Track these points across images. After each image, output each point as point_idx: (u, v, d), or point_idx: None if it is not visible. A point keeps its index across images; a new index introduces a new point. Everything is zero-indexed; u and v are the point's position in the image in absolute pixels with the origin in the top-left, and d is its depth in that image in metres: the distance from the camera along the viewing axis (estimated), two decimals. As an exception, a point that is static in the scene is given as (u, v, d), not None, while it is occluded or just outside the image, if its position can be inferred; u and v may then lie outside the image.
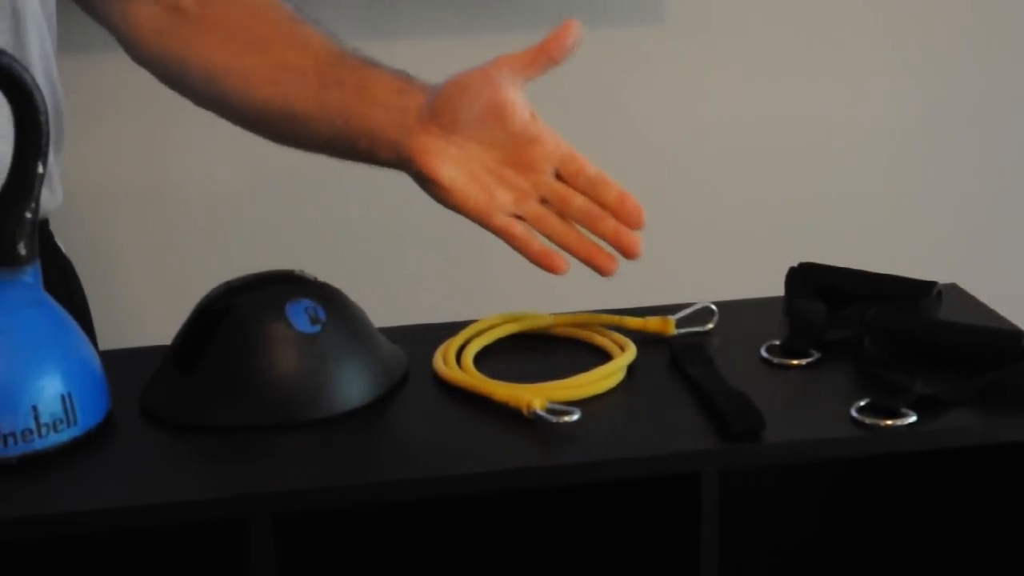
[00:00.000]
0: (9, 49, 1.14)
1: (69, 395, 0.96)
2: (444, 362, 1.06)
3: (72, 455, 0.96)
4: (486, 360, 1.08)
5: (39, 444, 0.94)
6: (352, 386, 1.02)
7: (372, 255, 1.89)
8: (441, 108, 1.06)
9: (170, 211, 1.84)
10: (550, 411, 0.97)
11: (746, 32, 2.01)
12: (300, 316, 1.02)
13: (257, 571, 0.90)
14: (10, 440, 0.93)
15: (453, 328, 1.12)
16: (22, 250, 0.98)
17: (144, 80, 1.59)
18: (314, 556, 1.10)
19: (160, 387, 1.02)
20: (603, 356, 1.08)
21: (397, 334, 1.10)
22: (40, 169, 0.98)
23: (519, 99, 1.05)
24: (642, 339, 1.10)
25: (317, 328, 1.02)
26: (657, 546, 1.04)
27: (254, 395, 0.99)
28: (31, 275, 0.99)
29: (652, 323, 1.12)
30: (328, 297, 1.04)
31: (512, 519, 1.15)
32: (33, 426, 0.94)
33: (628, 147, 2.00)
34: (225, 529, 0.97)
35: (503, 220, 1.06)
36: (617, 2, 1.91)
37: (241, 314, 1.01)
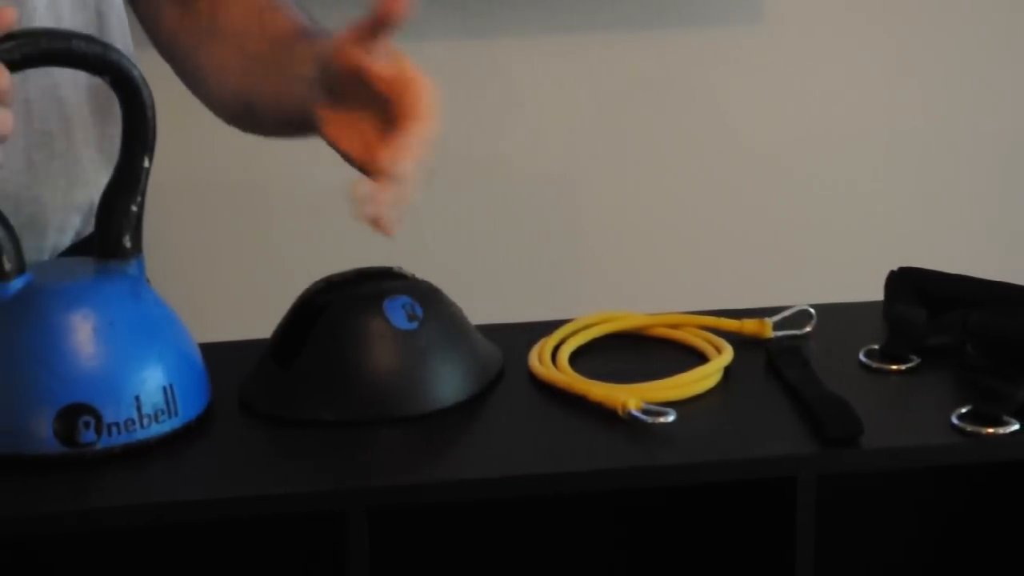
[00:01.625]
0: None
1: (171, 386, 0.97)
2: (539, 361, 1.07)
3: (173, 446, 0.97)
4: (581, 359, 1.08)
5: (141, 434, 0.96)
6: (448, 383, 1.02)
7: (469, 252, 1.90)
8: (322, 81, 1.05)
9: (270, 206, 1.86)
10: (645, 412, 0.97)
11: (847, 31, 1.99)
12: (398, 313, 1.02)
13: (352, 565, 0.91)
14: (113, 430, 0.95)
15: (548, 327, 1.12)
16: (127, 243, 1.00)
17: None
18: (407, 551, 1.11)
19: (259, 380, 1.04)
20: (698, 357, 1.08)
21: (493, 332, 1.11)
22: (146, 163, 1.00)
23: (375, 63, 1.02)
24: (738, 341, 1.10)
25: (414, 325, 1.02)
26: (751, 551, 1.03)
27: (351, 390, 1.00)
28: (135, 267, 1.01)
29: (749, 325, 1.12)
30: (425, 294, 1.05)
31: (603, 519, 1.15)
32: (135, 416, 0.95)
33: (725, 148, 1.99)
34: (321, 522, 0.98)
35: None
36: (716, 1, 1.90)
37: (339, 310, 1.02)
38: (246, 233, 1.86)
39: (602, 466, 0.94)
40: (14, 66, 0.94)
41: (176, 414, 0.98)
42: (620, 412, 0.98)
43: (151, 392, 0.96)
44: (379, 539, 0.95)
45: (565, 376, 1.04)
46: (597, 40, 1.89)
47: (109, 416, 0.94)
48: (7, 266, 0.96)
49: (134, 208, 1.00)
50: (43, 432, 0.93)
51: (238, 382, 1.05)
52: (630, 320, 1.14)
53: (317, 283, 1.06)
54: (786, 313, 1.14)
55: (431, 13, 1.85)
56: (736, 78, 1.98)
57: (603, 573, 1.17)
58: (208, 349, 1.07)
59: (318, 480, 0.94)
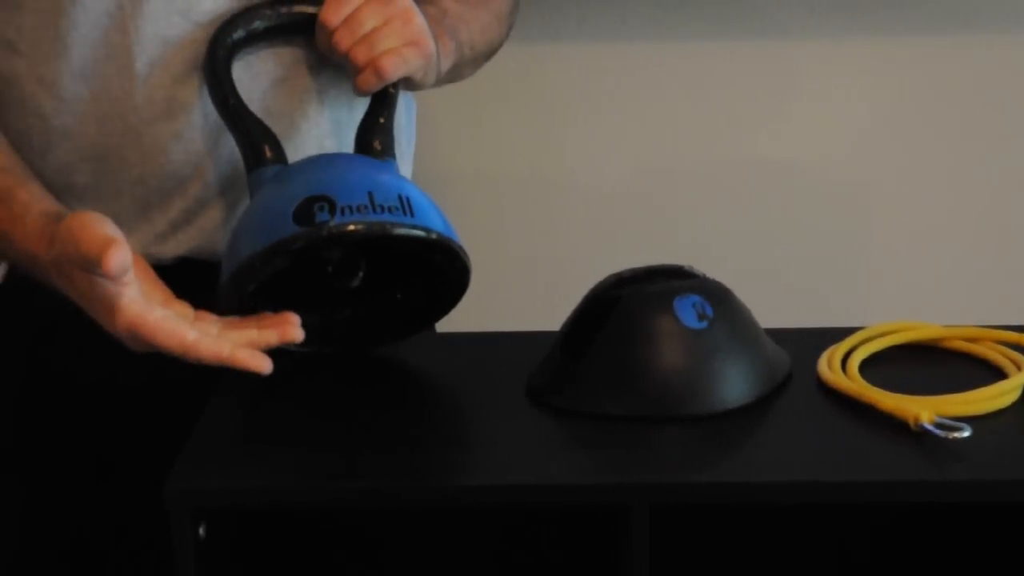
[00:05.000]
0: None
1: (407, 197, 1.03)
2: (829, 367, 1.05)
3: (440, 434, 0.98)
4: (872, 368, 1.06)
5: (373, 216, 1.01)
6: (735, 384, 1.01)
7: (759, 254, 1.88)
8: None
9: (561, 200, 1.88)
10: (939, 425, 0.95)
11: None
12: (688, 311, 1.02)
13: (634, 559, 0.91)
14: (346, 211, 1.01)
15: (838, 334, 1.10)
16: (377, 145, 1.11)
17: (534, 72, 1.64)
18: (686, 548, 1.11)
19: (547, 371, 1.05)
20: (995, 373, 1.04)
21: (782, 336, 1.09)
22: (392, 91, 1.12)
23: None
24: (1039, 358, 1.06)
25: (704, 324, 1.02)
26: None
27: (638, 386, 1.01)
28: (389, 166, 1.11)
29: (1051, 343, 1.08)
30: (716, 294, 1.04)
31: (875, 531, 1.13)
32: (368, 203, 1.01)
33: None
34: (603, 515, 0.99)
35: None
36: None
37: (630, 305, 1.02)
38: (537, 227, 1.89)
39: (891, 478, 0.92)
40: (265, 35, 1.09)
41: (413, 216, 1.02)
42: (912, 425, 0.96)
43: (385, 193, 1.02)
44: (659, 535, 0.95)
45: (855, 384, 1.02)
46: (898, 44, 1.85)
47: (342, 201, 1.01)
48: (269, 153, 1.08)
49: (383, 120, 1.11)
50: (286, 221, 1.00)
51: (526, 372, 1.06)
52: (924, 331, 1.11)
53: (608, 278, 1.06)
54: (1091, 332, 1.09)
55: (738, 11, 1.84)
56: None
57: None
58: (498, 338, 1.09)
59: (602, 473, 0.94)
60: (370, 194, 1.02)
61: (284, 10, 1.13)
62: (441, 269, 1.08)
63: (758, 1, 1.85)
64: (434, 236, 1.03)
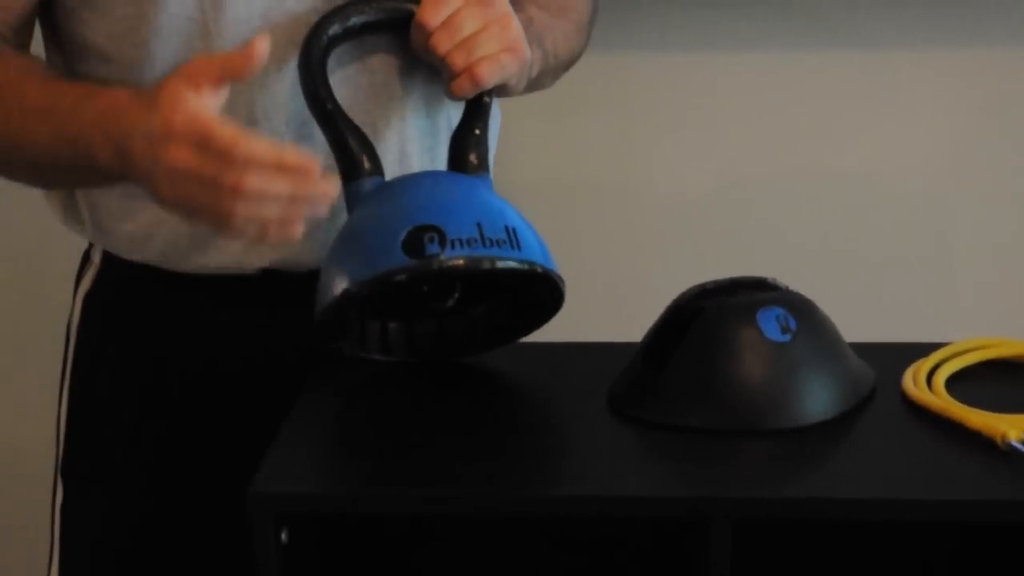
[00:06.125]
0: None
1: (513, 228, 1.03)
2: (914, 383, 1.04)
3: (522, 442, 0.98)
4: (958, 384, 1.05)
5: (482, 251, 1.01)
6: (818, 398, 1.01)
7: (841, 266, 1.87)
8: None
9: (640, 210, 1.88)
10: (1027, 444, 0.93)
11: None
12: (771, 324, 1.01)
13: (714, 573, 0.91)
14: (456, 244, 1.00)
15: (923, 349, 1.09)
16: (473, 159, 1.10)
17: (617, 81, 1.64)
18: (767, 563, 1.10)
19: (628, 382, 1.05)
20: (1085, 392, 1.03)
21: (866, 350, 1.08)
22: (487, 99, 1.11)
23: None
24: None
25: (787, 337, 1.01)
26: None
27: (719, 399, 1.00)
28: (484, 182, 1.10)
29: None
30: (800, 307, 1.04)
31: (949, 549, 1.12)
32: (477, 236, 1.01)
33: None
34: (683, 528, 0.98)
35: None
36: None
37: (712, 317, 1.02)
38: (620, 237, 1.88)
39: (978, 497, 0.91)
40: (359, 32, 1.09)
41: (519, 249, 1.02)
42: (999, 442, 0.94)
43: (493, 223, 1.02)
44: (740, 550, 0.94)
45: (941, 401, 1.01)
46: (982, 56, 1.83)
47: (452, 232, 1.00)
48: (366, 164, 1.08)
49: (477, 132, 1.10)
50: (395, 250, 1.00)
51: (607, 383, 1.06)
52: (1012, 347, 1.10)
53: (691, 289, 1.06)
54: None
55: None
56: None
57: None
58: (578, 348, 1.08)
59: (683, 486, 0.94)
60: (479, 225, 1.01)
61: (382, 6, 1.11)
62: (537, 295, 1.09)
63: (841, 13, 1.83)
64: (539, 270, 1.03)
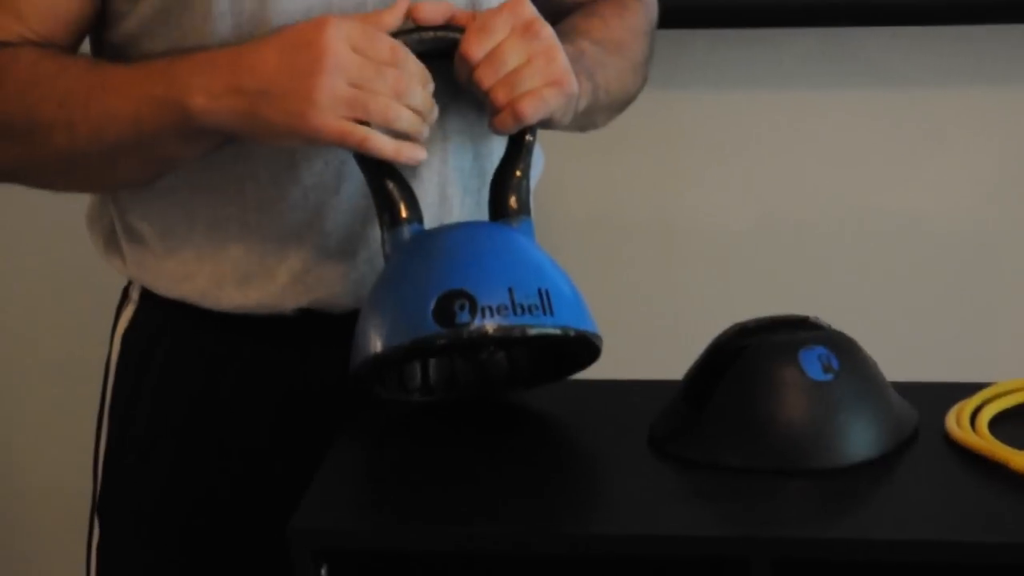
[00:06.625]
0: None
1: (546, 291, 1.02)
2: (957, 423, 1.03)
3: (565, 480, 0.98)
4: (1003, 425, 1.04)
5: (514, 319, 1.00)
6: (861, 438, 1.00)
7: (884, 305, 1.86)
8: None
9: (681, 247, 1.88)
10: (1072, 487, 0.92)
11: None
12: (813, 363, 1.01)
13: (754, 614, 0.91)
14: (487, 312, 1.00)
15: (967, 389, 1.08)
16: (513, 203, 1.09)
17: (660, 117, 1.64)
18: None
19: (668, 420, 1.04)
20: None
21: (909, 390, 1.08)
22: (529, 137, 1.10)
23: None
24: None
25: (829, 376, 1.01)
26: None
27: (761, 438, 1.00)
28: (523, 226, 1.09)
29: None
30: (842, 346, 1.03)
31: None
32: (508, 303, 1.00)
33: None
34: (722, 569, 0.98)
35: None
36: None
37: (754, 356, 1.02)
38: (661, 274, 1.88)
39: (1022, 540, 0.90)
40: (428, 55, 1.06)
41: (552, 314, 1.01)
42: (1044, 485, 0.93)
43: (525, 287, 1.01)
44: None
45: (985, 442, 1.00)
46: (1020, 93, 1.82)
47: (483, 299, 1.00)
48: (405, 212, 1.07)
49: (519, 174, 1.09)
50: (425, 317, 1.00)
51: (648, 421, 1.06)
52: (1057, 388, 1.09)
53: (732, 328, 1.06)
54: None
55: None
56: None
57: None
58: (620, 386, 1.08)
59: (723, 526, 0.94)
60: (510, 291, 1.01)
61: (429, 35, 1.09)
62: (573, 351, 1.09)
63: (885, 51, 1.83)
64: (571, 334, 1.03)
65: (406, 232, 1.07)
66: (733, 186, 1.86)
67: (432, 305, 1.00)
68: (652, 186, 1.88)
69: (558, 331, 1.02)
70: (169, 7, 1.10)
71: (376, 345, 1.03)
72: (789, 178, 1.86)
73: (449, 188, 1.16)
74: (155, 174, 1.13)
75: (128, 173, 1.13)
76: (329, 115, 1.02)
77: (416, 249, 1.06)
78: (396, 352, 1.02)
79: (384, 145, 1.04)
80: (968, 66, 1.83)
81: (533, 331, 1.01)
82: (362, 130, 1.03)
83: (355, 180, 1.11)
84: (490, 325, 1.00)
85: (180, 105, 1.05)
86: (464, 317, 1.00)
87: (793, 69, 1.83)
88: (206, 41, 1.10)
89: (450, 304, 1.00)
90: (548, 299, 1.02)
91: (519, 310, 1.01)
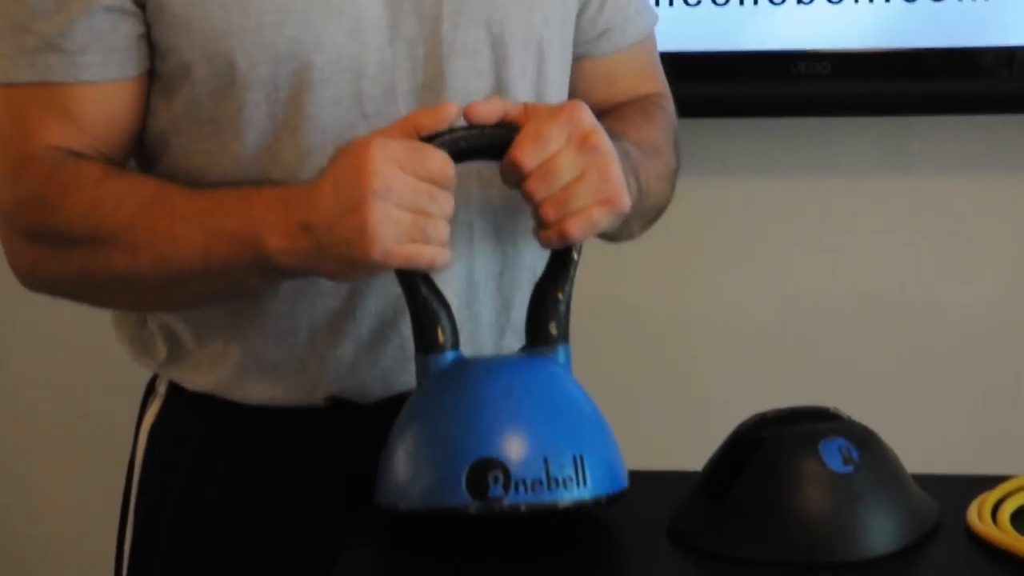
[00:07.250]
0: (532, 88, 1.16)
1: (581, 457, 1.00)
2: (979, 517, 1.02)
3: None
4: (1025, 519, 1.03)
5: (547, 496, 0.98)
6: (882, 532, 0.99)
7: (905, 396, 1.85)
8: None
9: (699, 337, 1.88)
10: (1096, 582, 0.91)
11: None
12: (833, 455, 1.01)
13: None
14: (520, 487, 0.98)
15: (989, 482, 1.07)
16: (553, 330, 1.05)
17: (675, 205, 1.64)
18: None
19: (688, 512, 1.04)
20: None
21: (930, 482, 1.07)
22: (575, 256, 1.05)
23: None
24: None
25: (850, 468, 1.00)
26: None
27: (781, 531, 0.99)
28: (561, 354, 1.06)
29: None
30: (862, 437, 1.03)
31: None
32: (543, 477, 0.98)
33: None
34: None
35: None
36: None
37: (774, 448, 1.01)
38: (679, 364, 1.88)
39: (1046, 636, 0.89)
40: (458, 156, 1.02)
41: (585, 485, 0.99)
42: (1067, 580, 0.92)
43: (560, 457, 0.99)
44: None
45: (1007, 536, 0.99)
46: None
47: (517, 472, 0.98)
48: (441, 338, 1.03)
49: (560, 296, 1.05)
50: (457, 485, 0.98)
51: (667, 512, 1.05)
52: (1079, 482, 1.08)
53: (752, 418, 1.05)
54: None
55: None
56: None
57: None
58: (639, 477, 1.08)
59: (743, 619, 0.93)
60: (545, 462, 0.99)
61: (488, 131, 1.04)
62: None
63: (901, 139, 1.84)
64: (603, 502, 1.01)
65: (441, 360, 1.04)
66: (751, 275, 1.86)
67: (466, 472, 0.98)
68: (673, 274, 1.89)
69: (591, 502, 1.01)
70: (201, 99, 1.09)
71: (406, 501, 1.01)
72: (810, 267, 1.86)
73: (476, 274, 1.15)
74: (215, 301, 1.12)
75: (187, 299, 1.12)
76: (391, 245, 1.00)
77: (451, 389, 1.03)
78: (423, 516, 1.01)
79: (443, 257, 1.02)
80: (994, 155, 1.83)
81: (565, 504, 1.00)
82: (428, 252, 1.01)
83: (395, 292, 1.08)
84: (523, 504, 0.98)
85: (255, 243, 1.03)
86: (497, 491, 0.98)
87: (810, 157, 1.84)
88: (240, 134, 1.09)
89: (483, 475, 0.98)
90: (583, 467, 1.00)
91: (553, 484, 0.99)
